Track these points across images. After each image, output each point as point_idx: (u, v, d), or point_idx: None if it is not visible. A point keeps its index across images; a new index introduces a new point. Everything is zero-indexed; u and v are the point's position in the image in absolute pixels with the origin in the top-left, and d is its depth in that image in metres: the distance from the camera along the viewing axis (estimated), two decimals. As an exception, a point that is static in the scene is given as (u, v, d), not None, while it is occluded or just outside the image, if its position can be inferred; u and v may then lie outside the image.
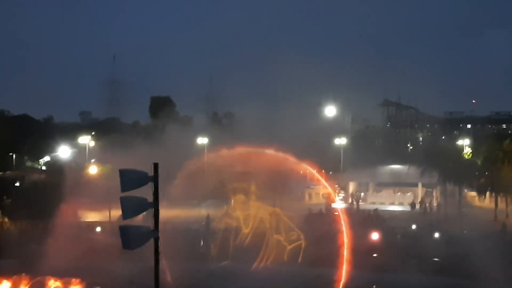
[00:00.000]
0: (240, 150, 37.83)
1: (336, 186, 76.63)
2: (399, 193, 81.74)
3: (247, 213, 48.10)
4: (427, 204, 74.22)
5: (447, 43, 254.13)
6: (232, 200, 53.65)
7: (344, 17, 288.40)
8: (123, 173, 13.06)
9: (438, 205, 73.97)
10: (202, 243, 51.11)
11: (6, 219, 56.56)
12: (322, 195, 73.64)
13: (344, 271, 34.12)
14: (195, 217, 58.99)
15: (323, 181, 39.98)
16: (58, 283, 35.36)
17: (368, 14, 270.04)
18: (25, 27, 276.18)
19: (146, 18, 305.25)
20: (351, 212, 56.13)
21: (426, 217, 65.66)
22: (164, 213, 14.01)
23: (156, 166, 13.13)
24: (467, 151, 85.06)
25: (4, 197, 60.83)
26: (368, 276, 40.46)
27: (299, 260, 43.97)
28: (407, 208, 74.69)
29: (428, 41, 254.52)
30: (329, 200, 61.87)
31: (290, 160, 36.59)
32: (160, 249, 13.10)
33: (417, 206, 73.16)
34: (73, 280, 35.57)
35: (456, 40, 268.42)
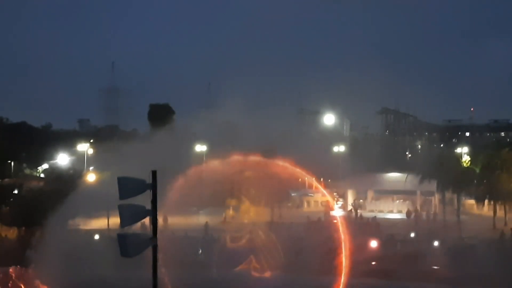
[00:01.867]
0: (239, 157, 37.79)
1: (335, 194, 76.68)
2: (397, 201, 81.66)
3: (245, 221, 48.05)
4: (424, 213, 74.14)
5: (446, 52, 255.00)
6: (231, 208, 53.64)
7: (344, 26, 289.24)
8: (121, 181, 13.05)
9: (435, 213, 73.92)
10: (200, 250, 50.99)
11: (8, 227, 56.43)
12: (321, 203, 73.67)
13: (342, 279, 34.04)
14: (193, 224, 58.86)
15: (321, 189, 39.97)
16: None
17: (368, 23, 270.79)
18: (24, 35, 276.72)
19: (145, 25, 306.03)
20: (349, 220, 56.07)
21: (424, 225, 65.56)
22: (163, 220, 13.98)
23: (154, 173, 13.11)
24: (466, 159, 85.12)
25: (2, 204, 60.67)
26: (367, 284, 40.38)
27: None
28: (405, 216, 74.60)
29: (427, 50, 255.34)
30: (327, 208, 61.86)
31: (289, 168, 36.55)
32: (159, 256, 13.07)
33: (413, 215, 73.02)
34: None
35: (455, 48, 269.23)
